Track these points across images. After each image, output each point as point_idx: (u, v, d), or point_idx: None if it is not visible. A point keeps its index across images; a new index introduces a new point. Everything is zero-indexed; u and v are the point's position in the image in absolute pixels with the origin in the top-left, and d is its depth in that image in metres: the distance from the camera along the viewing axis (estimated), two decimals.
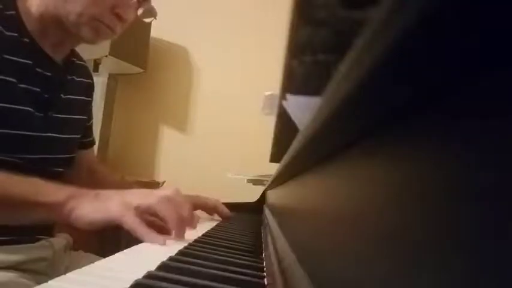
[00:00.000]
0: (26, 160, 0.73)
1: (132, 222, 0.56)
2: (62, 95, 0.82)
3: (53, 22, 0.76)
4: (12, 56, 0.70)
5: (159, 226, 0.61)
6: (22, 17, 0.74)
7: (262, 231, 0.80)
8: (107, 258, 0.45)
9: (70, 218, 0.60)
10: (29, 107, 0.73)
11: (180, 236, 0.59)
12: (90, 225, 0.59)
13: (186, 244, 0.55)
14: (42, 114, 0.76)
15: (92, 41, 0.79)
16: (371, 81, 0.13)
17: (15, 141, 0.71)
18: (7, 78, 0.69)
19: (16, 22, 0.73)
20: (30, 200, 0.61)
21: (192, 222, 0.65)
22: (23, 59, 0.72)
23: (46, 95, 0.77)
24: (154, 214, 0.60)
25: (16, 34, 0.72)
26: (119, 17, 0.78)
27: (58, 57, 0.81)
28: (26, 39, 0.74)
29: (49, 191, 0.61)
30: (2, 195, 0.60)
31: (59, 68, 0.81)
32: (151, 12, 0.87)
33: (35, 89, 0.75)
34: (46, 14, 0.75)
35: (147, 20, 0.91)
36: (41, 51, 0.76)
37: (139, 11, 0.83)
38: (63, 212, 0.60)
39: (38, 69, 0.76)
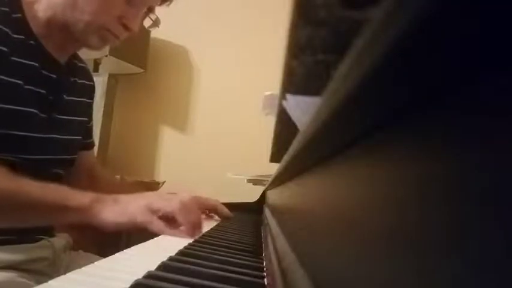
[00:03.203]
0: (28, 160, 0.73)
1: (160, 228, 0.63)
2: (65, 96, 0.82)
3: (59, 26, 0.76)
4: (19, 58, 0.71)
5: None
6: (28, 20, 0.74)
7: (262, 231, 0.80)
8: (106, 258, 0.45)
9: (95, 220, 0.64)
10: (33, 108, 0.73)
11: (191, 237, 0.64)
12: (115, 228, 0.64)
13: (186, 244, 0.55)
14: (45, 116, 0.76)
15: (97, 48, 0.81)
16: (371, 81, 0.13)
17: (18, 141, 0.71)
18: (14, 80, 0.70)
19: (22, 25, 0.73)
20: (61, 205, 0.65)
21: (199, 229, 0.68)
22: (29, 61, 0.73)
23: (50, 97, 0.78)
24: (172, 218, 0.65)
25: (23, 36, 0.72)
26: (125, 27, 0.79)
27: (62, 59, 0.82)
28: (32, 42, 0.74)
29: (76, 196, 0.66)
30: (35, 201, 0.64)
31: (63, 70, 0.82)
32: (155, 23, 0.89)
33: (40, 90, 0.75)
34: (53, 19, 0.76)
35: (150, 29, 0.93)
36: (46, 53, 0.77)
37: (146, 23, 0.86)
38: (88, 215, 0.65)
39: (43, 71, 0.76)
